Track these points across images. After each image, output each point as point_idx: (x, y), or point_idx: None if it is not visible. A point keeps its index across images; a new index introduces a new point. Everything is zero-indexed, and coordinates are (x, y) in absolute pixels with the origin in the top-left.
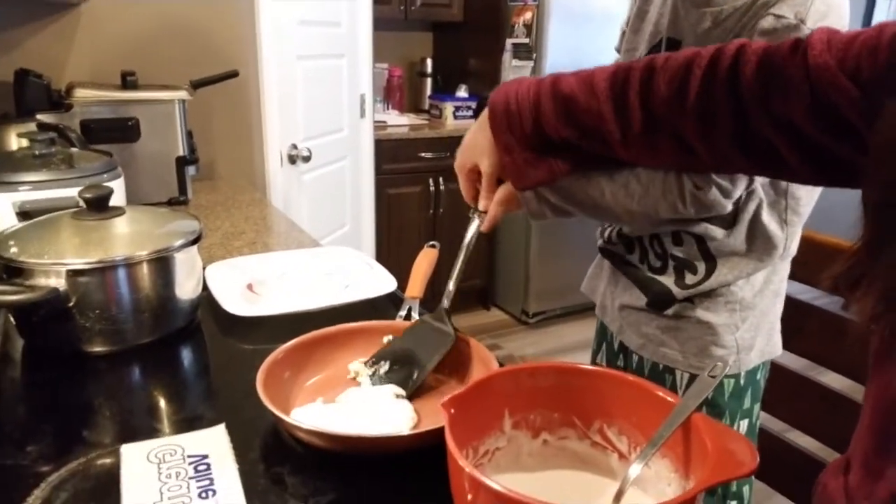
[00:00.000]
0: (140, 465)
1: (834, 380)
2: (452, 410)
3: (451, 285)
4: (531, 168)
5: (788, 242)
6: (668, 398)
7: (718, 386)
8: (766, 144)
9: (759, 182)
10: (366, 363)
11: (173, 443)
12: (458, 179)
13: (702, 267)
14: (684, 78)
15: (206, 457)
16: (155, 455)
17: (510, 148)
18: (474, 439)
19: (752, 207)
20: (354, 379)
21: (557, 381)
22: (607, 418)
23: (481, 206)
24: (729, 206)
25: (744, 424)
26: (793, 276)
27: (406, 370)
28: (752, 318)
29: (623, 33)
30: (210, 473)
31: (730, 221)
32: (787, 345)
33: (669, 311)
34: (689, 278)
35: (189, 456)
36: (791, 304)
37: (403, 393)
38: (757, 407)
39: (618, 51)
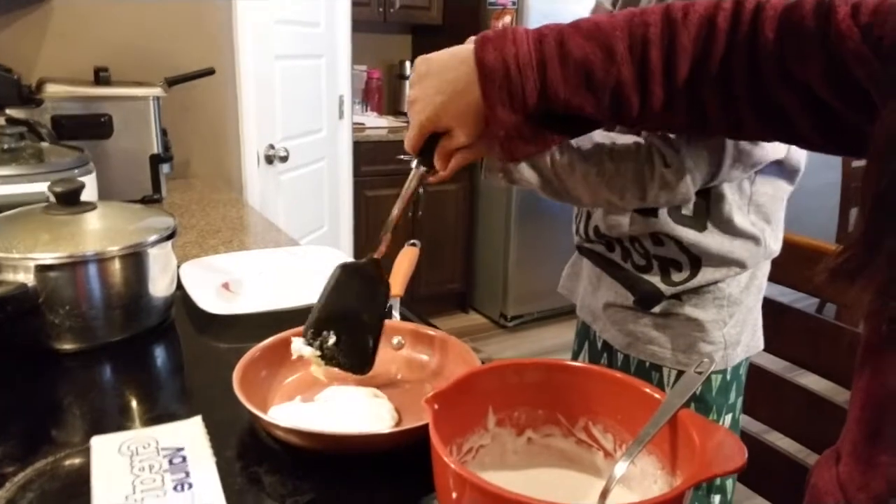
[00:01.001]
0: (111, 458)
1: (813, 381)
2: (436, 406)
3: (384, 240)
4: (524, 142)
5: (769, 242)
6: (655, 395)
7: (706, 382)
8: (779, 106)
9: (727, 187)
10: (307, 340)
11: (147, 435)
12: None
13: (687, 265)
14: (709, 35)
15: (181, 449)
16: (127, 447)
17: (504, 121)
18: (458, 436)
19: (721, 211)
20: (302, 360)
21: (542, 378)
22: (592, 415)
23: (438, 166)
24: (692, 193)
25: (728, 419)
26: (772, 277)
27: (356, 337)
28: (738, 313)
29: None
30: (186, 466)
31: (701, 225)
32: (766, 346)
33: (657, 309)
34: (676, 276)
35: (163, 448)
36: (770, 306)
37: (384, 395)
38: (740, 401)
39: None
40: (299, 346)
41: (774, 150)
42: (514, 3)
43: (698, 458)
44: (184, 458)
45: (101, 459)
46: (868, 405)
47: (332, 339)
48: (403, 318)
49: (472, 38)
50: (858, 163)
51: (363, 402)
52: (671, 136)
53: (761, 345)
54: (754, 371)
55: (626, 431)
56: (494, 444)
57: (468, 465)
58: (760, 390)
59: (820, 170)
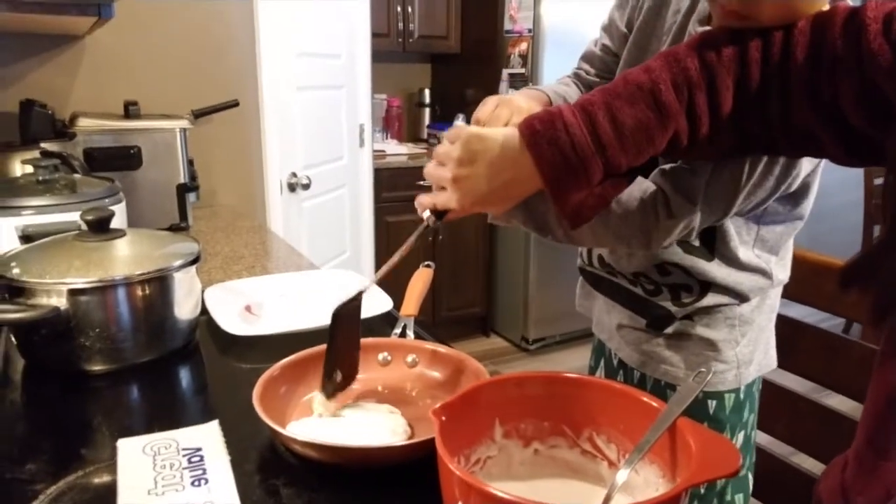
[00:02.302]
0: (136, 457)
1: (840, 402)
2: (443, 418)
3: (375, 277)
4: (589, 208)
5: (776, 273)
6: (653, 403)
7: (720, 401)
8: (807, 127)
9: (733, 224)
10: (328, 395)
11: (168, 437)
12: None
13: (696, 287)
14: (745, 67)
15: (199, 450)
16: (150, 448)
17: (574, 202)
18: (465, 448)
19: (728, 246)
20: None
21: (545, 391)
22: (596, 426)
23: (451, 217)
24: (695, 234)
25: (741, 436)
26: (796, 297)
27: (352, 360)
28: (750, 332)
29: (635, 19)
30: (203, 464)
31: (709, 255)
32: (792, 367)
33: (669, 330)
34: (686, 297)
35: (183, 449)
36: (794, 326)
37: (398, 411)
38: (752, 418)
39: (604, 29)
40: (323, 404)
41: (784, 186)
42: (529, 31)
43: (694, 464)
44: (201, 458)
45: (126, 459)
46: (871, 411)
47: (339, 377)
48: (418, 337)
49: (510, 95)
50: (880, 180)
51: (378, 417)
52: (692, 174)
53: (774, 363)
54: (778, 391)
55: (628, 441)
56: (501, 455)
57: (475, 475)
58: (784, 411)
59: (842, 189)
